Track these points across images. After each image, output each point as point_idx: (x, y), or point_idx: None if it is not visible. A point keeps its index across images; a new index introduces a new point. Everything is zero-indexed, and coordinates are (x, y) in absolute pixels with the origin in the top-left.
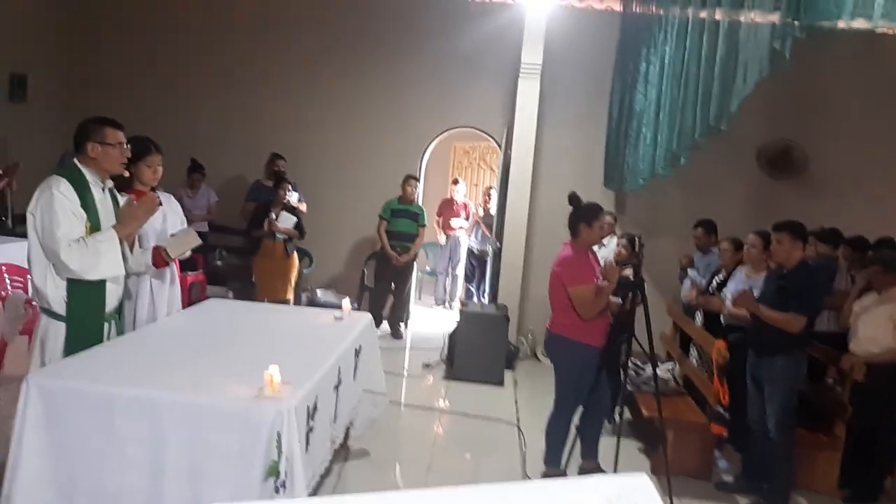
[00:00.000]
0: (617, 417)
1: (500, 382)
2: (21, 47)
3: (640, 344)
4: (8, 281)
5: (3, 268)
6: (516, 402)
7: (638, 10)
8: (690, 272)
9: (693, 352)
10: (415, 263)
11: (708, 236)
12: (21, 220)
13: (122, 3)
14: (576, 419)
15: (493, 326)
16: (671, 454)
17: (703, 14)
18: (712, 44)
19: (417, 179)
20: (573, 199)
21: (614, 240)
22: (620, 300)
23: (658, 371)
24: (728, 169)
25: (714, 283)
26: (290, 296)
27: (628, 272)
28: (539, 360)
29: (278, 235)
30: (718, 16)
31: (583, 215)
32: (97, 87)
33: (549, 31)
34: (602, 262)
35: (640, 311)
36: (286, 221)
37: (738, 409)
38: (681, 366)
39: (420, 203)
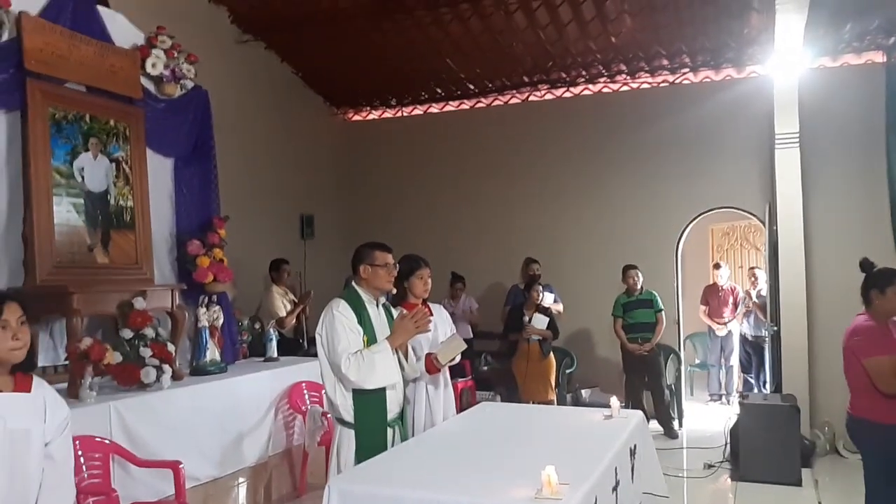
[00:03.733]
0: None
1: (797, 482)
2: (309, 192)
3: None
4: (307, 396)
5: (304, 384)
6: (819, 503)
7: None
8: None
9: None
10: (665, 354)
11: None
12: (314, 341)
13: (385, 146)
14: None
15: (780, 419)
16: None
17: None
18: None
19: (637, 268)
20: (865, 265)
21: None
22: None
23: None
24: None
25: None
26: (553, 396)
27: None
28: (842, 455)
29: (533, 336)
30: None
31: (874, 282)
32: (371, 218)
33: (802, 96)
34: None
35: None
36: (539, 322)
37: None
38: None
39: (679, 292)
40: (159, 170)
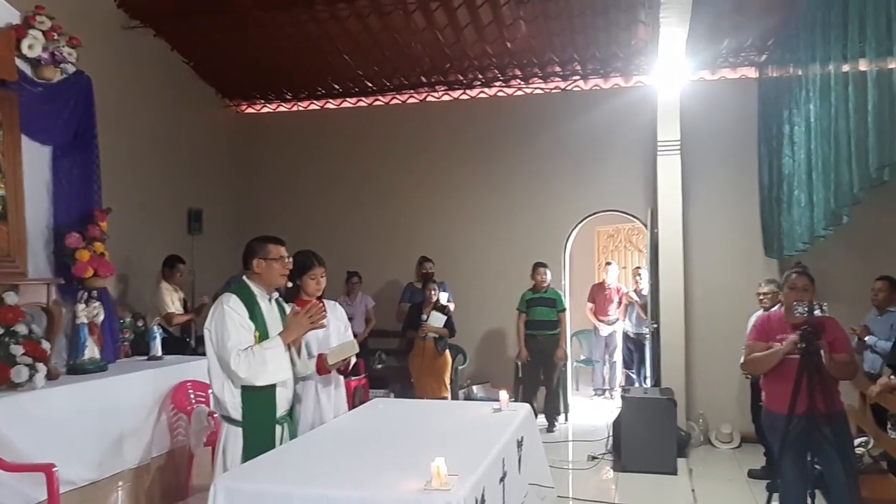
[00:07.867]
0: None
1: (673, 471)
2: (197, 186)
3: None
4: (192, 396)
5: (189, 384)
6: (693, 490)
7: (774, 73)
8: (869, 340)
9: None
10: (566, 353)
11: (892, 292)
12: (202, 340)
13: (279, 140)
14: None
15: (659, 411)
16: None
17: (846, 67)
18: (861, 94)
19: (546, 266)
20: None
21: None
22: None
23: None
24: None
25: None
26: (447, 393)
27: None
28: (714, 445)
29: (430, 334)
30: (863, 66)
31: None
32: (262, 213)
33: (684, 107)
34: None
35: None
36: (437, 321)
37: None
38: (878, 441)
39: (566, 291)
40: (36, 158)
